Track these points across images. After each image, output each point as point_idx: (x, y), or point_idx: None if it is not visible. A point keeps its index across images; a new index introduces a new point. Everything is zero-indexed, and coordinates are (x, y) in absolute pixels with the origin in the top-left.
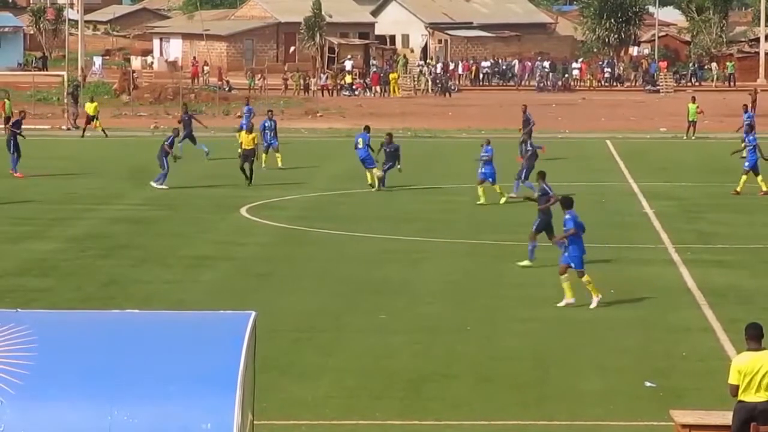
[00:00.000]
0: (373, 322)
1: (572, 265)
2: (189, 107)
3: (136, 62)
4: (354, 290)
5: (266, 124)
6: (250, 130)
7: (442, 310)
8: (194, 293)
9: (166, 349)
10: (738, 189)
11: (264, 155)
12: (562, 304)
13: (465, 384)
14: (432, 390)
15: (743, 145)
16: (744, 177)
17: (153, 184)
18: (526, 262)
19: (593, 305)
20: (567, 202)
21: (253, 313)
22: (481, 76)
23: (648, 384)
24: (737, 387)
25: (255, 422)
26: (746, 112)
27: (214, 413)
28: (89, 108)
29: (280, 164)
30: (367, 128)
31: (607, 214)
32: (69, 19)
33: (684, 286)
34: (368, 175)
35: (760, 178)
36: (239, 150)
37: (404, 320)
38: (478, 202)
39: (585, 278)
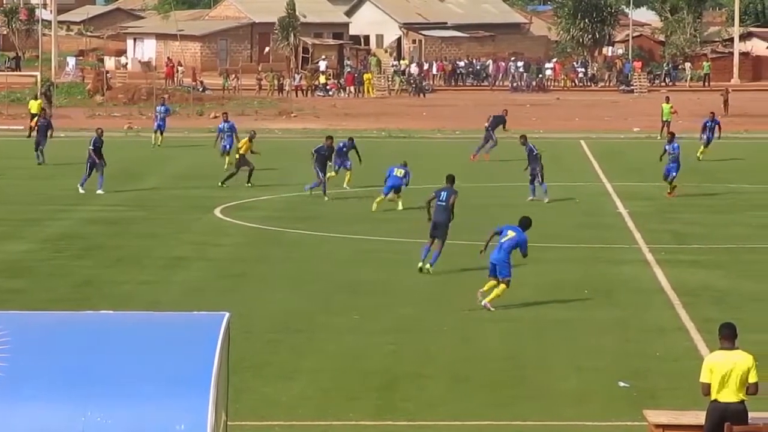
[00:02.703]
0: (347, 322)
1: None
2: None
3: (109, 62)
4: (329, 291)
5: (221, 127)
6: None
7: (418, 310)
8: (169, 294)
9: (140, 350)
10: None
11: (227, 157)
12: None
13: (440, 384)
14: (406, 390)
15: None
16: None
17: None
18: None
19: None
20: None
21: (227, 314)
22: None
23: (622, 384)
24: (708, 385)
25: (229, 423)
26: (713, 119)
27: (188, 414)
28: (33, 106)
29: (226, 166)
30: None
31: (581, 214)
32: (42, 20)
33: (658, 286)
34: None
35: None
36: (236, 155)
37: (379, 321)
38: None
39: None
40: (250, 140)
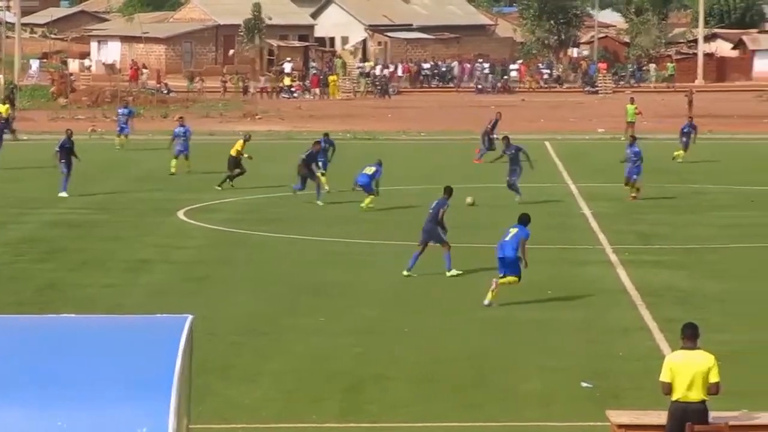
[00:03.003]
0: (311, 324)
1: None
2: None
3: (73, 65)
4: (293, 293)
5: (177, 131)
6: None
7: (382, 312)
8: (133, 297)
9: (102, 353)
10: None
11: (174, 160)
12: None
13: (404, 386)
14: (370, 392)
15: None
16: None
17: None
18: None
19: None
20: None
21: (190, 317)
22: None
23: (585, 384)
24: (668, 384)
25: (191, 426)
26: (691, 124)
27: (150, 417)
28: (0, 109)
29: (173, 170)
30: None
31: (545, 215)
32: (6, 22)
33: (621, 287)
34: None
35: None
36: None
37: (343, 322)
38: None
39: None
40: (245, 142)
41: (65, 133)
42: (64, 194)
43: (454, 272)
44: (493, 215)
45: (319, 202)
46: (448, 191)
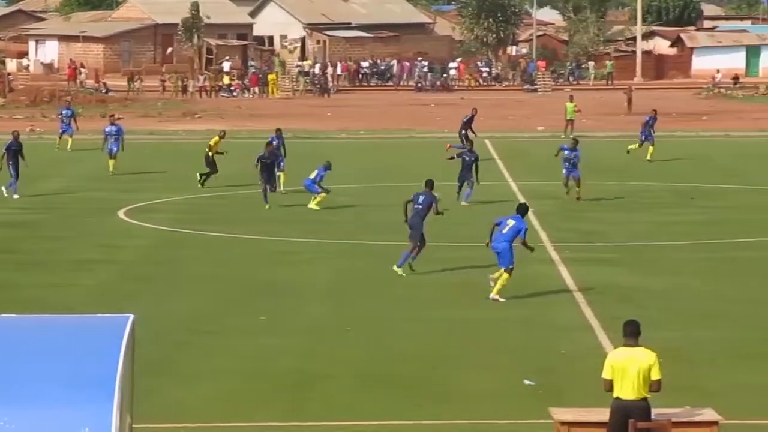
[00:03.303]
0: (255, 324)
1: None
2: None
3: (11, 64)
4: (236, 292)
5: (109, 130)
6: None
7: (326, 311)
8: (76, 297)
9: (45, 353)
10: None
11: (111, 160)
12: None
13: (348, 385)
14: (315, 391)
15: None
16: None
17: None
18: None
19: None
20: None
21: (132, 316)
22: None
23: (527, 382)
24: (610, 382)
25: (135, 426)
26: (654, 116)
27: (93, 417)
28: None
29: (111, 169)
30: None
31: (487, 213)
32: None
33: (563, 285)
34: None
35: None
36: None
37: (287, 322)
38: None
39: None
40: (220, 138)
41: (11, 135)
42: (16, 196)
43: (400, 271)
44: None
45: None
46: (430, 184)
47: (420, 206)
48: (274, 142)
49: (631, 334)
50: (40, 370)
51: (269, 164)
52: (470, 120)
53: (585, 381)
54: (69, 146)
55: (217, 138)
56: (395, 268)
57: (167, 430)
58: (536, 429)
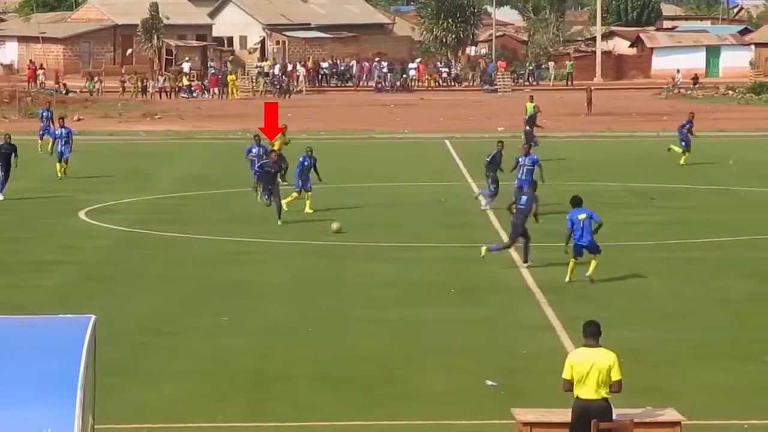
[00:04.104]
0: (215, 324)
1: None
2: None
3: None
4: (196, 293)
5: (59, 133)
6: None
7: (285, 311)
8: (36, 298)
9: (6, 353)
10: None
11: (64, 165)
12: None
13: (308, 385)
14: (275, 392)
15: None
16: None
17: None
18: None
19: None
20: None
21: (93, 317)
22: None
23: (489, 383)
24: (570, 382)
25: (96, 426)
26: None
27: (55, 418)
28: None
29: (59, 175)
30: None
31: (447, 214)
32: None
33: (524, 285)
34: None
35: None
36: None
37: (247, 322)
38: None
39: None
40: (283, 134)
41: (3, 138)
42: (0, 197)
43: (483, 250)
44: (391, 214)
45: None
46: (534, 185)
47: (523, 206)
48: (254, 150)
49: (592, 334)
50: (2, 371)
51: (272, 173)
52: (533, 118)
53: (547, 381)
54: (49, 147)
55: (280, 135)
56: (484, 251)
57: (129, 431)
58: (498, 429)
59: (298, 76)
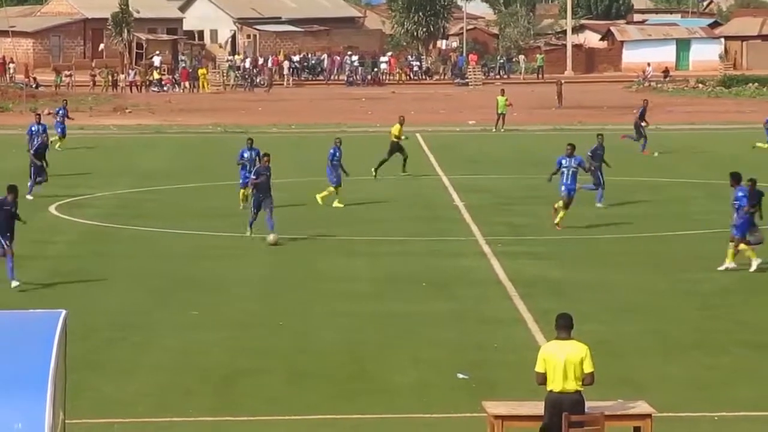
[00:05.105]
0: (185, 318)
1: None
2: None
3: None
4: (167, 287)
5: (35, 129)
6: None
7: (256, 305)
8: (7, 293)
9: None
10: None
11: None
12: (722, 268)
13: (279, 379)
14: (246, 386)
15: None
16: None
17: None
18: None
19: (752, 268)
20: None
21: (64, 312)
22: (291, 70)
23: (461, 376)
24: (543, 375)
25: (67, 421)
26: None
27: (25, 413)
28: None
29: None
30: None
31: (418, 207)
32: None
33: (495, 278)
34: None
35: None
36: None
37: (217, 316)
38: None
39: (741, 246)
40: (401, 124)
41: (41, 138)
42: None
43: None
44: (362, 208)
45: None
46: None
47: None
48: (247, 154)
49: (564, 327)
50: None
51: (267, 181)
52: (643, 112)
53: (518, 374)
54: (57, 146)
55: (398, 126)
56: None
57: (99, 426)
58: (469, 422)
59: (281, 70)
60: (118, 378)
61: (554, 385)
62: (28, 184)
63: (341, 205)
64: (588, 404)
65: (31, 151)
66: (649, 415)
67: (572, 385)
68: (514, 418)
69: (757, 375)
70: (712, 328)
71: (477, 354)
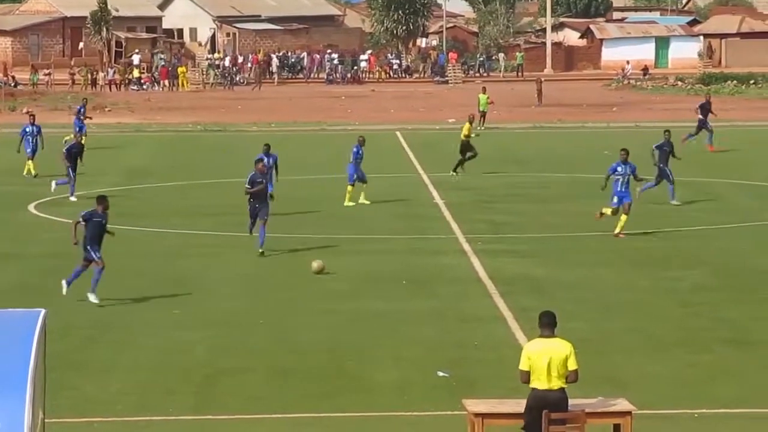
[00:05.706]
0: (166, 317)
1: None
2: None
3: None
4: (147, 285)
5: (29, 130)
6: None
7: (237, 304)
8: None
9: None
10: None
11: (30, 162)
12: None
13: (260, 377)
14: (227, 384)
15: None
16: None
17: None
18: None
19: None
20: None
21: (43, 311)
22: (273, 69)
23: (441, 374)
24: (528, 373)
25: (47, 420)
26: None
27: (5, 412)
28: None
29: (33, 172)
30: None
31: (398, 205)
32: None
33: (475, 276)
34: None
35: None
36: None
37: (198, 315)
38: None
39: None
40: (471, 123)
41: (74, 138)
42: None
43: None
44: (342, 206)
45: None
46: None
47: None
48: (265, 160)
49: (547, 324)
50: None
51: (263, 189)
52: (705, 106)
53: (498, 372)
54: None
55: (468, 124)
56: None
57: (79, 425)
58: (449, 420)
59: (269, 67)
60: (99, 377)
61: (537, 382)
62: (69, 187)
63: (368, 202)
64: (570, 402)
65: (64, 152)
66: (629, 413)
67: (556, 383)
68: (494, 416)
69: (738, 372)
70: (694, 326)
71: (457, 352)
